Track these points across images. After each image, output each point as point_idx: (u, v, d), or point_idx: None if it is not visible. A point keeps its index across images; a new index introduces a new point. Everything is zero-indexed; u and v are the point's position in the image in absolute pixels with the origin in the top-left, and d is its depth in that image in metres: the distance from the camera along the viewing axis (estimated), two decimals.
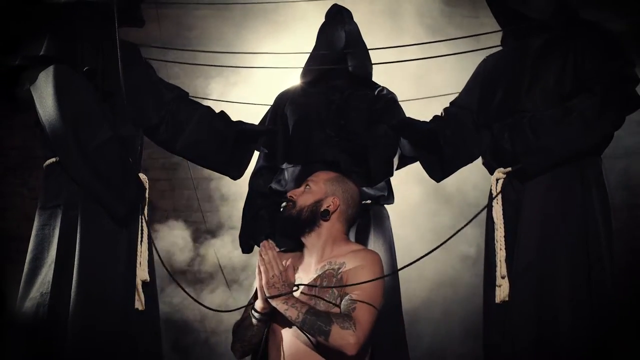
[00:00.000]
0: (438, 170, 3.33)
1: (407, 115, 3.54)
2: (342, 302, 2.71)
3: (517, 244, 2.96)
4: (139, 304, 2.94)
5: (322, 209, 2.88)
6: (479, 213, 2.88)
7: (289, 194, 2.95)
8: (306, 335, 2.70)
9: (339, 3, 3.75)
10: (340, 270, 2.78)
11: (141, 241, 2.99)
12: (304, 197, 2.91)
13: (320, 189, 2.91)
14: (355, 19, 3.68)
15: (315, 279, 2.80)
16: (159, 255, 2.98)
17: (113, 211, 2.90)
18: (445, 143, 3.25)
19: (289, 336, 2.76)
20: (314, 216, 2.88)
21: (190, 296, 2.93)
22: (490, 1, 3.25)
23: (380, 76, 3.70)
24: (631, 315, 3.13)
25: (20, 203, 5.66)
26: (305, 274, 2.87)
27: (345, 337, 2.60)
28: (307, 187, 2.94)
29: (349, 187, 2.96)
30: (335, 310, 2.72)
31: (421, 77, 4.65)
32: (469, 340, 4.57)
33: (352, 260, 2.80)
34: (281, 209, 3.49)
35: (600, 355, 2.85)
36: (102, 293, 2.86)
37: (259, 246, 3.51)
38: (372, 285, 2.71)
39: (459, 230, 2.80)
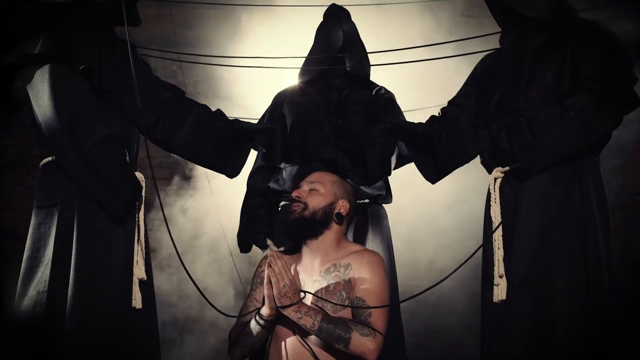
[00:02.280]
0: (433, 172, 3.33)
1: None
2: (356, 310, 2.74)
3: (515, 243, 2.96)
4: (136, 302, 2.94)
5: (335, 212, 2.89)
6: (477, 250, 2.89)
7: (295, 194, 2.93)
8: (307, 345, 2.71)
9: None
10: (347, 274, 2.81)
11: (138, 240, 2.99)
12: (315, 199, 2.91)
13: (329, 192, 2.92)
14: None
15: (320, 282, 2.82)
16: (176, 250, 2.94)
17: (110, 210, 2.90)
18: (440, 145, 3.24)
19: (292, 339, 2.76)
20: (328, 218, 2.90)
21: (205, 298, 2.90)
22: (489, 1, 3.25)
23: None
24: (629, 315, 3.13)
25: (17, 202, 5.66)
26: (308, 276, 2.87)
27: (365, 344, 2.64)
28: (314, 188, 2.93)
29: (350, 189, 3.01)
30: (344, 313, 2.74)
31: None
32: (467, 339, 4.57)
33: (357, 263, 2.82)
34: (280, 208, 3.50)
35: (598, 355, 2.84)
36: (99, 291, 2.85)
37: (257, 245, 3.53)
38: (381, 289, 2.78)
39: (461, 265, 2.83)
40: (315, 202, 2.90)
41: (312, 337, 2.74)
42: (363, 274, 2.80)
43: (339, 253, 2.89)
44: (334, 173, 3.09)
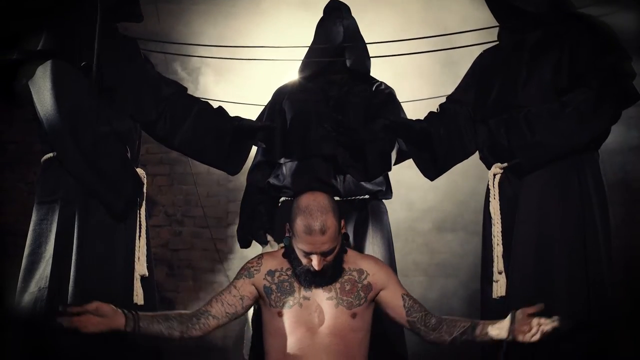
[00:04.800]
0: (431, 169, 3.33)
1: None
2: (411, 304, 2.86)
3: (514, 239, 2.96)
4: (138, 298, 2.94)
5: (342, 232, 2.85)
6: None
7: (318, 268, 2.74)
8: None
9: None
10: (365, 279, 2.85)
11: (139, 236, 3.00)
12: (333, 255, 2.79)
13: (337, 234, 2.77)
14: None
15: (333, 284, 2.83)
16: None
17: (110, 206, 2.90)
18: (438, 141, 3.24)
19: (299, 335, 2.78)
20: (342, 248, 2.86)
21: None
22: None
23: None
24: (629, 311, 3.13)
25: (18, 198, 5.66)
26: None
27: None
28: (327, 251, 2.76)
29: (334, 198, 2.89)
30: (358, 310, 2.81)
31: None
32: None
33: (373, 270, 2.88)
34: (280, 204, 3.50)
35: (597, 352, 2.85)
36: (100, 288, 2.86)
37: (257, 241, 3.53)
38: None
39: None
40: (335, 256, 2.80)
41: (323, 331, 2.77)
42: (386, 279, 2.88)
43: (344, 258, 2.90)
44: (324, 192, 2.92)
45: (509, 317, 2.67)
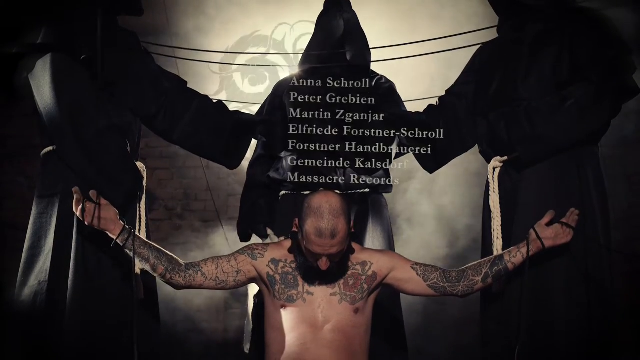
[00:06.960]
0: (431, 162, 3.34)
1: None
2: (424, 270, 2.88)
3: (514, 233, 2.96)
4: (138, 292, 2.94)
5: (351, 231, 2.84)
6: None
7: (324, 268, 2.74)
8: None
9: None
10: (369, 270, 2.86)
11: (139, 230, 3.00)
12: (340, 254, 2.78)
13: (346, 230, 2.75)
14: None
15: (338, 281, 2.83)
16: None
17: (110, 200, 2.89)
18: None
19: (302, 329, 2.78)
20: (350, 249, 2.87)
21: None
22: None
23: None
24: (630, 305, 3.13)
25: (17, 192, 5.66)
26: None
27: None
28: (335, 253, 2.75)
29: (346, 202, 2.86)
30: (361, 305, 2.82)
31: None
32: (467, 328, 4.58)
33: (375, 260, 2.88)
34: (280, 198, 3.51)
35: (597, 346, 2.85)
36: (99, 282, 2.86)
37: (257, 235, 3.53)
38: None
39: None
40: (341, 255, 2.80)
41: (326, 327, 2.78)
42: (390, 260, 2.89)
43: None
44: (334, 194, 2.90)
45: (530, 234, 2.84)
